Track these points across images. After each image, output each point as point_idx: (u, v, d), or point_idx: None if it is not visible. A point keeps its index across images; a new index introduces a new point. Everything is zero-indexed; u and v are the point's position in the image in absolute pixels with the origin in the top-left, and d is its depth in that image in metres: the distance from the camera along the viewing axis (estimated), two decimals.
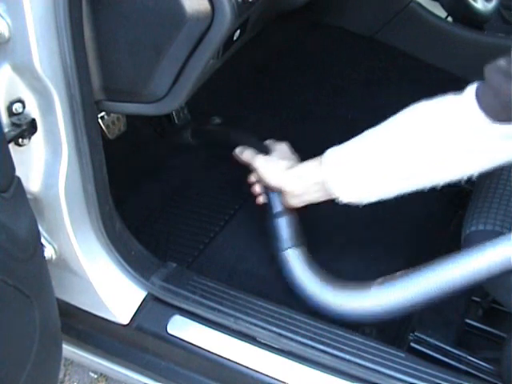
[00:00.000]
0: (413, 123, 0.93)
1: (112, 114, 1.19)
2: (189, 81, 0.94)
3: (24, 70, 0.84)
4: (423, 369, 0.94)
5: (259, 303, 1.04)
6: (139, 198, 1.36)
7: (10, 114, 0.85)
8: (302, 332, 0.99)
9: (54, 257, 1.00)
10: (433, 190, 0.95)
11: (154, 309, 1.05)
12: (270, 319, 1.01)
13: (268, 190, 1.13)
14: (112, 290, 1.05)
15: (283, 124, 1.64)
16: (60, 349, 0.95)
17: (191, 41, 0.89)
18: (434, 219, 1.38)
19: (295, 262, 1.09)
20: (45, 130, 0.89)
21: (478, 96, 0.84)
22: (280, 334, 0.99)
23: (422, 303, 0.95)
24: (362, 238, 1.32)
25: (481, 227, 1.07)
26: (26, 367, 0.82)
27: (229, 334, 1.01)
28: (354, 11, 1.95)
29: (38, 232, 0.85)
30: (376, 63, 1.90)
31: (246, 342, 1.00)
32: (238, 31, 1.02)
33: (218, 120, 1.46)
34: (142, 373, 1.10)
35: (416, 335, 1.09)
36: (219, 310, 1.02)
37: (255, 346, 0.99)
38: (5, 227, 0.74)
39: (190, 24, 0.87)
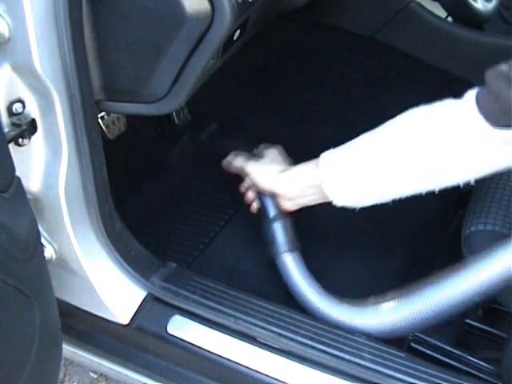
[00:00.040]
0: (412, 127, 0.92)
1: (112, 114, 1.19)
2: (189, 81, 0.94)
3: (24, 70, 0.84)
4: (423, 369, 0.94)
5: (259, 303, 1.04)
6: (139, 198, 1.36)
7: (10, 114, 0.85)
8: (302, 332, 0.99)
9: (53, 257, 1.00)
10: (432, 191, 0.95)
11: (153, 309, 1.05)
12: (270, 319, 1.01)
13: (261, 195, 1.12)
14: (112, 290, 1.05)
15: (283, 124, 1.64)
16: (60, 349, 0.95)
17: (191, 41, 0.89)
18: (434, 219, 1.38)
19: (292, 266, 1.09)
20: (45, 130, 0.89)
21: (479, 101, 0.83)
22: (280, 334, 0.99)
23: (421, 325, 0.96)
24: (361, 238, 1.32)
25: (481, 227, 1.07)
26: (25, 367, 0.82)
27: (229, 334, 1.01)
28: (354, 11, 1.95)
29: (38, 232, 0.85)
30: (376, 63, 1.90)
31: (245, 341, 1.00)
32: (238, 31, 1.02)
33: (214, 126, 1.44)
34: (141, 373, 1.10)
35: (416, 335, 1.09)
36: (219, 310, 1.02)
37: (255, 345, 0.99)
38: (5, 227, 0.74)
39: (190, 24, 0.87)
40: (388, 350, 0.97)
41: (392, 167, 0.93)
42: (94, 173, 0.94)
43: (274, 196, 1.10)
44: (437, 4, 1.91)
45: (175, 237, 1.29)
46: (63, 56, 0.83)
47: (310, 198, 1.04)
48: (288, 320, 1.01)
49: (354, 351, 0.96)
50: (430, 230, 1.36)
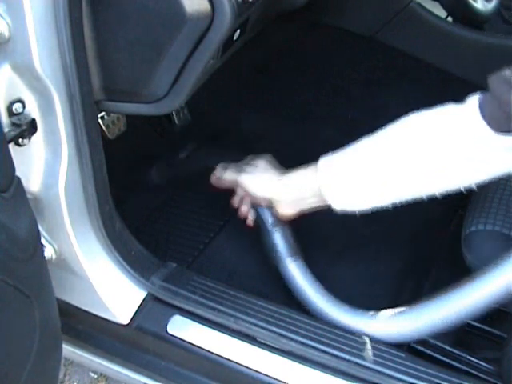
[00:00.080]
0: (413, 131, 0.91)
1: (112, 114, 1.19)
2: (189, 81, 0.94)
3: (24, 70, 0.84)
4: (423, 369, 0.94)
5: (259, 303, 1.04)
6: (139, 198, 1.36)
7: (10, 114, 0.85)
8: (302, 332, 0.99)
9: (53, 257, 1.00)
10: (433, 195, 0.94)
11: (153, 309, 1.05)
12: (270, 319, 1.01)
13: (256, 205, 1.11)
14: (112, 290, 1.05)
15: (283, 124, 1.64)
16: (60, 349, 0.95)
17: (191, 41, 0.89)
18: (434, 219, 1.38)
19: (297, 273, 1.08)
20: (45, 130, 0.89)
21: (482, 107, 0.82)
22: (280, 334, 0.99)
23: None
24: (360, 238, 1.32)
25: (481, 227, 1.07)
26: (26, 367, 0.82)
27: (229, 334, 1.01)
28: (354, 11, 1.95)
29: (38, 232, 0.85)
30: (376, 63, 1.90)
31: (245, 341, 1.00)
32: (238, 31, 1.02)
33: (194, 145, 1.41)
34: (141, 373, 1.10)
35: None
36: (219, 310, 1.02)
37: (255, 345, 0.99)
38: (5, 227, 0.74)
39: (190, 24, 0.86)
40: (388, 350, 0.97)
41: (392, 171, 0.92)
42: (94, 173, 0.94)
43: (270, 205, 1.08)
44: (437, 4, 1.91)
45: (175, 237, 1.29)
46: (63, 56, 0.83)
47: (309, 204, 1.03)
48: (288, 320, 1.01)
49: (354, 351, 0.96)
50: (430, 230, 1.36)
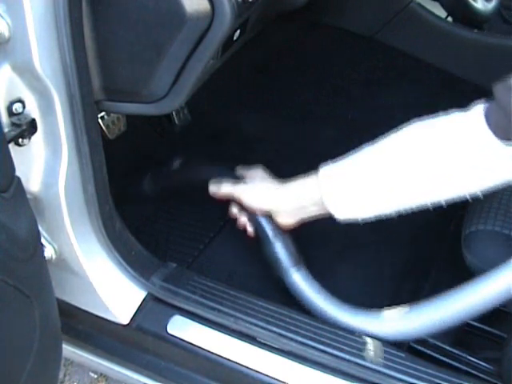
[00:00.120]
0: (416, 139, 0.90)
1: (112, 114, 1.19)
2: (189, 81, 0.94)
3: (24, 70, 0.84)
4: (423, 369, 0.94)
5: (259, 303, 1.04)
6: (139, 199, 1.36)
7: (10, 113, 0.85)
8: (302, 332, 0.99)
9: (53, 257, 1.00)
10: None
11: (153, 309, 1.05)
12: (270, 319, 1.01)
13: (254, 217, 1.10)
14: (112, 290, 1.05)
15: (283, 124, 1.64)
16: (60, 349, 0.95)
17: (191, 41, 0.89)
18: (434, 219, 1.38)
19: (301, 282, 1.07)
20: (45, 130, 0.89)
21: (487, 115, 0.82)
22: (280, 334, 0.99)
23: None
24: (361, 238, 1.32)
25: (481, 227, 1.07)
26: (25, 367, 0.82)
27: (229, 334, 1.01)
28: (354, 11, 1.96)
29: (38, 232, 0.85)
30: (376, 63, 1.90)
31: (245, 342, 1.00)
32: (238, 31, 1.02)
33: (178, 162, 1.38)
34: (141, 373, 1.10)
35: None
36: (219, 310, 1.02)
37: (255, 345, 0.99)
38: (5, 227, 0.74)
39: (190, 24, 0.86)
40: (388, 349, 0.97)
41: (397, 180, 0.91)
42: (94, 173, 0.94)
43: (269, 215, 1.07)
44: (437, 4, 1.91)
45: (175, 237, 1.29)
46: (63, 56, 0.83)
47: (309, 212, 1.02)
48: (288, 320, 1.01)
49: (354, 351, 0.96)
50: (430, 230, 1.36)
